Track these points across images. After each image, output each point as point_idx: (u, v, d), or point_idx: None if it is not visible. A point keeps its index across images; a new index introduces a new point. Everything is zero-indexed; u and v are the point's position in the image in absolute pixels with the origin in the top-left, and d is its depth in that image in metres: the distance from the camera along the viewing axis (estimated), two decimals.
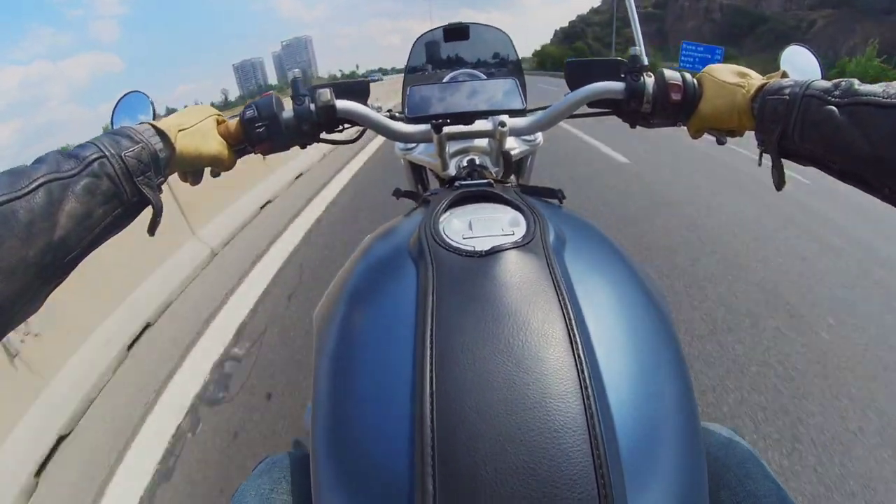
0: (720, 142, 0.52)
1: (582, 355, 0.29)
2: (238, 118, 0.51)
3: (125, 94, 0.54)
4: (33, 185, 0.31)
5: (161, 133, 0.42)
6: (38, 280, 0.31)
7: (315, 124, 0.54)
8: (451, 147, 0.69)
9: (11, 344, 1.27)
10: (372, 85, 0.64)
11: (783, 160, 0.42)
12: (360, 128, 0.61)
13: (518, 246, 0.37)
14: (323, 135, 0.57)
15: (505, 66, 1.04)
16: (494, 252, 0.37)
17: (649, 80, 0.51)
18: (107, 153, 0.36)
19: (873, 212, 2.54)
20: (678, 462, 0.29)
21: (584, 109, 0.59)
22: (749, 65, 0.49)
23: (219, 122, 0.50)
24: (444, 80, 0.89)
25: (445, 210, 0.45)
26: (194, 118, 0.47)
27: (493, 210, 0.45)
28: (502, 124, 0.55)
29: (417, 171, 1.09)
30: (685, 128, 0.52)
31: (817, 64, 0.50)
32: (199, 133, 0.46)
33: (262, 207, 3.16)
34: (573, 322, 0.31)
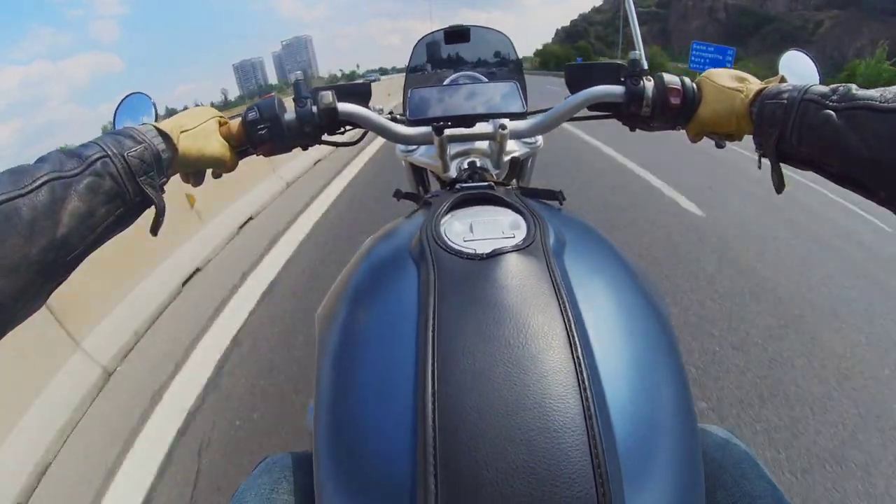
0: (719, 145, 0.52)
1: (581, 357, 0.29)
2: (240, 120, 0.51)
3: (127, 96, 0.54)
4: (37, 184, 0.32)
5: (164, 134, 0.42)
6: (40, 278, 0.31)
7: (317, 126, 0.54)
8: (452, 149, 0.70)
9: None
10: None
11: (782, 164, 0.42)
12: (362, 130, 0.61)
13: (518, 249, 0.38)
14: (325, 137, 0.57)
15: (506, 65, 1.04)
16: (495, 255, 0.37)
17: (649, 84, 0.51)
18: (109, 153, 0.36)
19: None
20: (675, 462, 0.30)
21: (585, 112, 0.59)
22: (754, 65, 0.49)
23: (221, 124, 0.50)
24: (444, 83, 0.90)
25: (446, 212, 0.46)
26: (196, 120, 0.47)
27: (493, 213, 0.46)
28: (503, 127, 0.56)
29: (418, 172, 1.10)
30: (685, 132, 0.52)
31: (815, 69, 0.50)
32: (202, 134, 0.47)
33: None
34: (572, 324, 0.31)
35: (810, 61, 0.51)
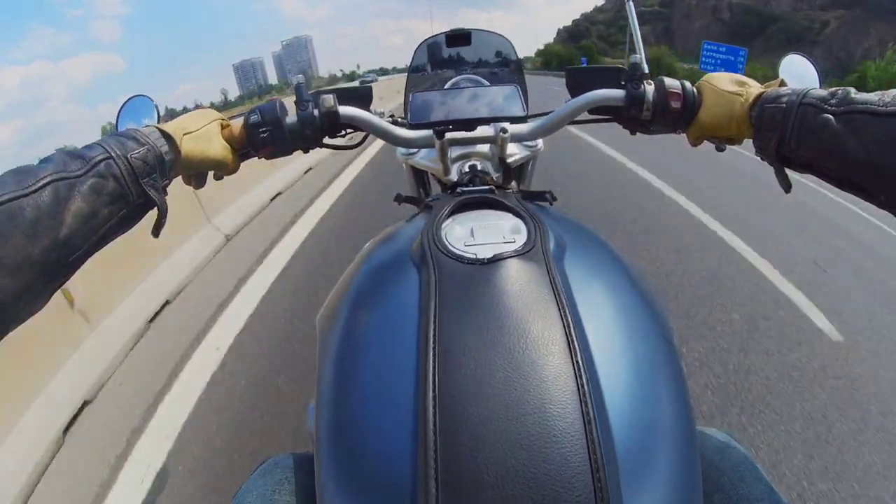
0: (719, 149, 0.52)
1: (580, 362, 0.30)
2: (242, 122, 0.52)
3: (130, 98, 0.55)
4: (40, 184, 0.32)
5: (167, 136, 0.43)
6: (42, 278, 0.32)
7: (318, 129, 0.54)
8: (453, 152, 0.70)
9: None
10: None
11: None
12: (363, 133, 0.61)
13: (519, 254, 0.38)
14: (326, 140, 0.58)
15: (507, 66, 1.04)
16: (496, 260, 0.37)
17: (649, 87, 0.52)
18: (113, 154, 0.37)
19: None
20: (673, 465, 0.30)
21: (585, 116, 0.59)
22: (760, 65, 0.49)
23: (223, 127, 0.51)
24: (445, 87, 0.90)
25: (447, 217, 0.46)
26: (199, 122, 0.48)
27: (494, 217, 0.46)
28: (504, 130, 0.56)
29: (419, 175, 1.10)
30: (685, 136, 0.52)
31: (815, 72, 0.51)
32: (204, 137, 0.47)
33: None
34: (572, 330, 0.32)
35: (810, 64, 0.51)
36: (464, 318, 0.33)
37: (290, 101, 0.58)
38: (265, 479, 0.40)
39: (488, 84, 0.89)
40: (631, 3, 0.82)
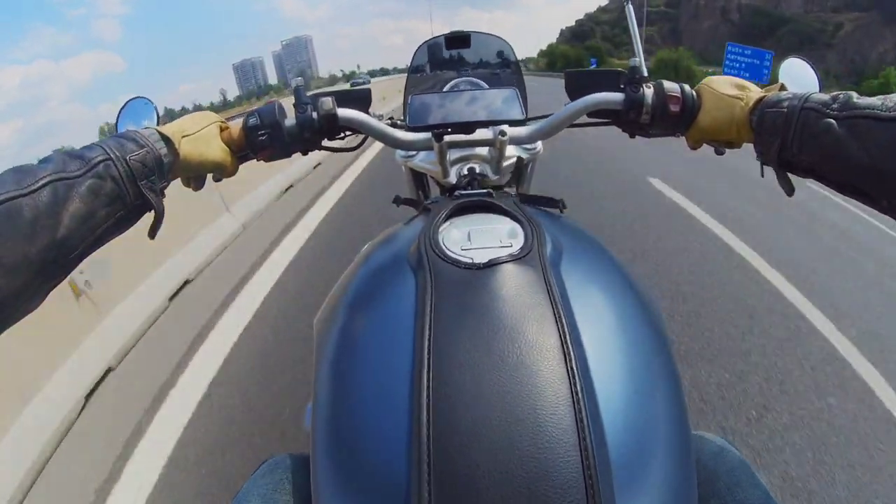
0: (718, 152, 0.52)
1: (575, 368, 0.30)
2: (241, 125, 0.52)
3: (130, 100, 0.55)
4: (39, 184, 0.32)
5: (165, 138, 0.43)
6: (39, 277, 0.32)
7: (317, 132, 0.55)
8: (452, 155, 0.70)
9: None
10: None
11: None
12: (362, 136, 0.62)
13: (515, 259, 0.38)
14: (325, 142, 0.58)
15: (506, 67, 1.04)
16: (492, 265, 0.37)
17: (648, 91, 0.51)
18: (112, 156, 0.37)
19: None
20: (668, 470, 0.30)
21: (584, 119, 0.59)
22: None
23: (222, 129, 0.51)
24: (445, 89, 0.90)
25: (445, 220, 0.46)
26: (198, 124, 0.48)
27: (491, 221, 0.46)
28: (503, 133, 0.56)
29: (418, 177, 1.11)
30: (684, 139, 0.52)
31: (816, 76, 0.50)
32: (203, 139, 0.47)
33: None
34: (567, 335, 0.32)
35: (810, 68, 0.51)
36: (459, 323, 0.33)
37: (289, 102, 0.58)
38: (265, 480, 0.41)
39: (487, 86, 0.89)
40: (630, 6, 0.82)
